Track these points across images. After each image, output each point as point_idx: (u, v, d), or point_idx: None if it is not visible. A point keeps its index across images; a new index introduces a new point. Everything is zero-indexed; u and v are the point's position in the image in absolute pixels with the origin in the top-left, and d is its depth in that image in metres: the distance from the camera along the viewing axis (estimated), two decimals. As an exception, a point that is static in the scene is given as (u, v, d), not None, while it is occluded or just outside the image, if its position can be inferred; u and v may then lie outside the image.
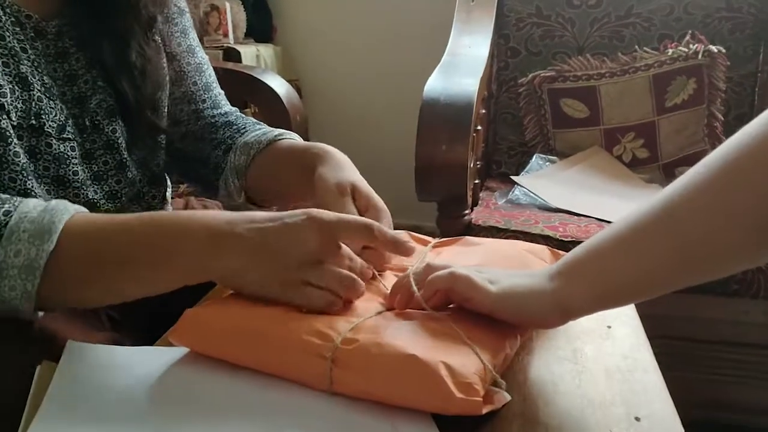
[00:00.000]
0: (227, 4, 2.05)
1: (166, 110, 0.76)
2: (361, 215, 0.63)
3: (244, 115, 0.86)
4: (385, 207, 0.65)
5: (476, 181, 1.40)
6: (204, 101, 0.83)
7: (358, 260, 0.56)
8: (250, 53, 2.04)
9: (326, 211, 0.54)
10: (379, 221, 0.60)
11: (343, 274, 0.53)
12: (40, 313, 0.53)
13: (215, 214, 0.54)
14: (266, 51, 2.14)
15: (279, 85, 1.32)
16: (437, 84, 1.27)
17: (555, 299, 0.50)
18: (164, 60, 0.76)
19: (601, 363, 0.54)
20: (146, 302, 0.65)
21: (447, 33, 1.64)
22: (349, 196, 0.65)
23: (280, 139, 0.77)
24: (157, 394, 0.48)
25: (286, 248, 0.52)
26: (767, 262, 0.46)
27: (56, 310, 0.56)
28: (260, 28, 2.22)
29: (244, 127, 0.82)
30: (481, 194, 1.50)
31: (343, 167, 0.69)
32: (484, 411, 0.44)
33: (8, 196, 0.52)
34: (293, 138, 0.79)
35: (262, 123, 0.84)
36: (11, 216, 0.50)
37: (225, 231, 0.52)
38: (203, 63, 0.83)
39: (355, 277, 0.54)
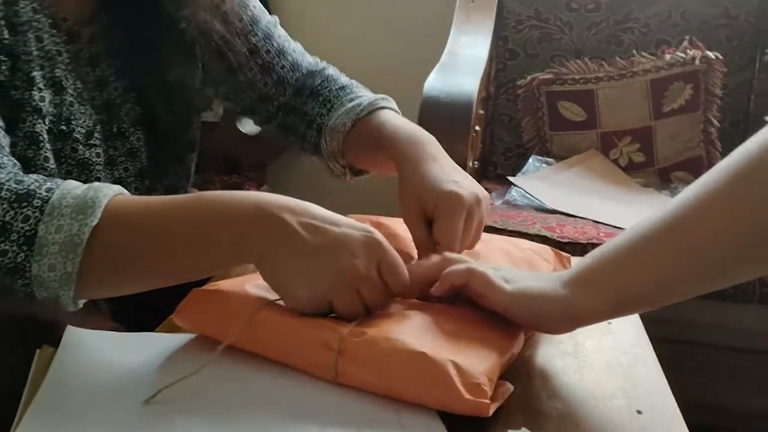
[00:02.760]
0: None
1: (198, 130, 0.75)
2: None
3: (326, 73, 0.82)
4: (461, 197, 0.59)
5: (473, 182, 1.40)
6: (283, 67, 0.79)
7: (384, 295, 0.52)
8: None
9: (385, 241, 0.51)
10: (446, 216, 0.59)
11: (357, 311, 0.50)
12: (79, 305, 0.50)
13: (274, 196, 0.51)
14: (264, 48, 2.14)
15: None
16: (437, 83, 1.27)
17: (567, 306, 0.50)
18: (198, 74, 0.73)
19: (602, 357, 0.54)
20: (147, 294, 0.64)
21: (446, 33, 1.64)
22: (420, 217, 0.61)
23: (361, 117, 0.73)
24: (156, 380, 0.48)
25: (333, 259, 0.49)
26: None
27: (94, 298, 0.53)
28: (259, 26, 2.22)
29: (329, 99, 0.78)
30: (477, 195, 1.50)
31: (412, 173, 0.63)
32: (491, 412, 0.44)
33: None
34: (383, 106, 0.74)
35: (346, 85, 0.80)
36: (53, 192, 0.48)
37: (275, 215, 0.49)
38: (270, 28, 0.79)
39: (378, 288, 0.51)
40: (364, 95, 0.77)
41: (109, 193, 0.49)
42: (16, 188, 0.47)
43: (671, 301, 0.49)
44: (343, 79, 0.81)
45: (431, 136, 0.68)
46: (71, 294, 0.47)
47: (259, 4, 0.80)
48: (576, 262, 0.54)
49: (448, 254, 0.56)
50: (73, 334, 0.52)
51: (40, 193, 0.47)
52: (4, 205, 0.47)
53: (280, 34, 0.81)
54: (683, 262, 0.46)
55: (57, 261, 0.46)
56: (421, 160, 0.64)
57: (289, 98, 0.80)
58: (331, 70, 0.82)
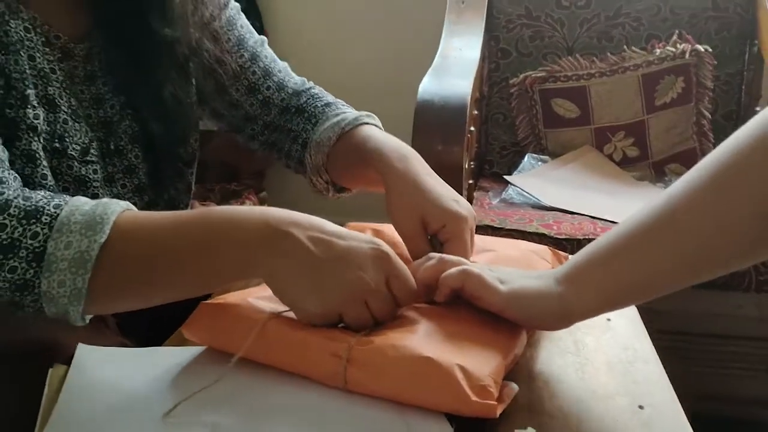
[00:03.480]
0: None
1: (197, 143, 0.76)
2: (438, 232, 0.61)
3: (311, 92, 0.82)
4: (460, 213, 0.61)
5: (470, 182, 1.41)
6: (269, 88, 0.80)
7: (392, 307, 0.53)
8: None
9: (393, 254, 0.52)
10: (455, 234, 0.60)
11: (366, 322, 0.51)
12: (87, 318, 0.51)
13: (281, 211, 0.51)
14: (258, 55, 2.15)
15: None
16: (431, 86, 1.28)
17: (561, 303, 0.51)
18: (193, 91, 0.74)
19: (602, 354, 0.56)
20: (155, 309, 0.65)
21: (438, 35, 1.65)
22: (423, 233, 0.62)
23: (346, 131, 0.73)
24: (169, 394, 0.49)
25: (342, 273, 0.50)
26: (766, 258, 0.47)
27: (103, 313, 0.53)
28: (251, 33, 2.23)
29: (315, 116, 0.78)
30: (474, 194, 1.51)
31: (407, 189, 0.63)
32: (499, 413, 0.45)
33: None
34: (367, 122, 0.74)
35: (331, 102, 0.80)
36: (61, 209, 0.48)
37: (284, 231, 0.50)
38: (257, 48, 0.80)
39: (388, 301, 0.52)
40: (350, 111, 0.78)
41: (117, 209, 0.49)
42: (24, 205, 0.48)
43: (664, 293, 0.50)
44: (329, 97, 0.82)
45: (414, 150, 0.69)
46: (80, 309, 0.48)
47: (247, 23, 0.81)
48: (569, 259, 0.55)
49: (445, 256, 0.56)
50: (84, 351, 0.53)
51: (49, 210, 0.48)
52: (13, 222, 0.47)
53: (267, 55, 0.81)
54: (673, 256, 0.48)
55: (66, 277, 0.47)
56: (415, 174, 0.64)
57: (274, 117, 0.80)
58: (317, 90, 0.83)
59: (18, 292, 0.47)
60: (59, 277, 0.47)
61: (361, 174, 0.72)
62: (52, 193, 0.51)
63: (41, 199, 0.49)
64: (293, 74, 0.84)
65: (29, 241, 0.47)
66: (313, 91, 0.82)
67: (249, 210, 0.52)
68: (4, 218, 0.47)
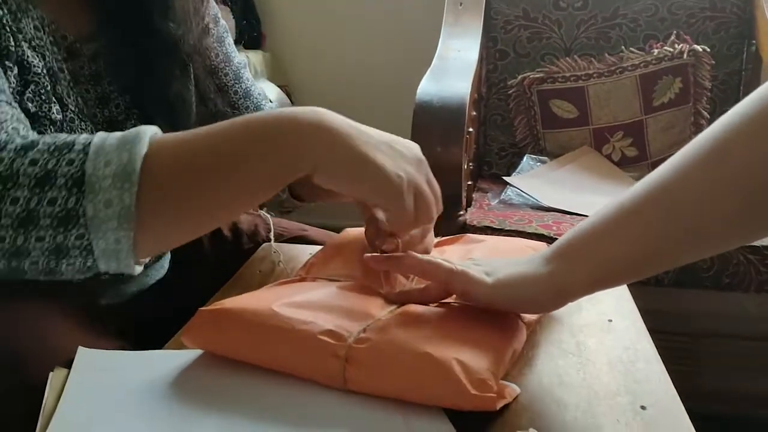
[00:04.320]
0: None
1: None
2: None
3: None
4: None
5: (469, 183, 1.41)
6: (247, 108, 0.82)
7: (433, 209, 0.56)
8: (247, 64, 2.05)
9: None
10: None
11: (431, 203, 0.54)
12: (138, 269, 0.47)
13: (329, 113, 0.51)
14: (256, 57, 2.15)
15: (269, 91, 1.34)
16: (429, 88, 1.28)
17: (552, 282, 0.51)
18: (193, 92, 0.75)
19: (603, 355, 0.55)
20: (151, 310, 0.65)
21: (436, 37, 1.65)
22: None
23: None
24: (169, 397, 0.49)
25: (401, 144, 0.54)
26: (760, 238, 0.47)
27: (146, 254, 0.48)
28: (249, 35, 2.23)
29: None
30: (474, 195, 1.51)
31: None
32: (498, 406, 0.45)
33: None
34: None
35: None
36: (92, 138, 0.46)
37: (333, 119, 0.50)
38: (240, 68, 0.82)
39: (431, 199, 0.55)
40: None
41: (150, 127, 0.47)
42: (52, 140, 0.45)
43: (656, 270, 0.50)
44: None
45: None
46: (131, 236, 0.44)
47: (232, 41, 0.83)
48: (560, 237, 0.54)
49: (428, 257, 0.56)
50: (84, 354, 0.53)
51: (80, 140, 0.45)
52: (45, 156, 0.44)
53: (248, 77, 0.83)
54: (664, 233, 0.47)
55: (113, 195, 0.43)
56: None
57: None
58: None
59: (62, 228, 0.43)
60: (105, 196, 0.43)
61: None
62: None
63: (68, 137, 0.46)
64: (269, 98, 0.87)
65: (65, 168, 0.43)
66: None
67: (293, 112, 0.51)
68: (34, 153, 0.44)
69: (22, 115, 0.53)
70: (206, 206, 0.48)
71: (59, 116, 0.58)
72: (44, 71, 0.58)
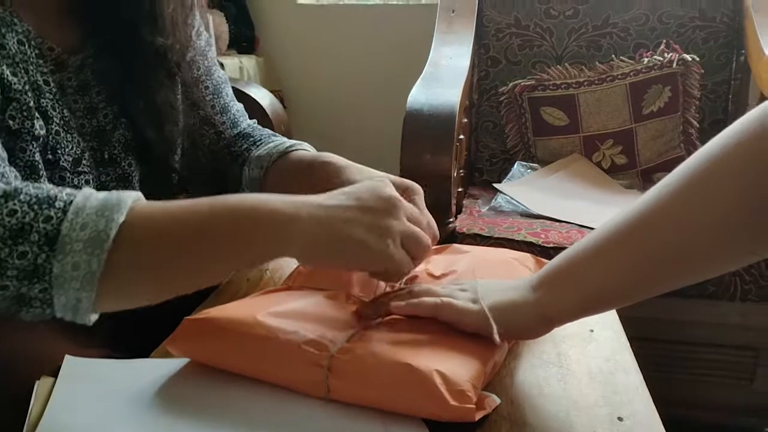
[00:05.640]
0: (209, 16, 2.06)
1: (180, 149, 0.76)
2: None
3: (261, 128, 0.85)
4: (416, 185, 0.66)
5: (460, 189, 1.42)
6: (223, 123, 0.82)
7: (423, 242, 0.55)
8: (233, 65, 2.05)
9: (403, 201, 0.56)
10: (414, 201, 0.63)
11: (420, 237, 0.54)
12: (94, 317, 0.48)
13: (282, 198, 0.51)
14: (249, 62, 2.15)
15: (262, 96, 1.34)
16: (420, 95, 1.29)
17: (539, 310, 0.52)
18: (180, 99, 0.75)
19: (584, 365, 0.56)
20: (138, 316, 0.65)
21: (428, 43, 1.66)
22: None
23: (291, 151, 0.76)
24: (155, 405, 0.49)
25: (368, 197, 0.53)
26: (743, 265, 0.48)
27: (117, 308, 0.49)
28: (243, 40, 2.23)
29: (260, 139, 0.81)
30: (464, 202, 1.52)
31: (363, 170, 0.69)
32: (478, 417, 0.46)
33: None
34: (306, 149, 0.78)
35: (278, 135, 0.84)
36: (75, 195, 0.46)
37: (291, 215, 0.49)
38: (220, 83, 0.82)
39: (420, 234, 0.55)
40: (292, 141, 0.80)
41: (132, 195, 0.48)
42: (36, 192, 0.45)
43: (643, 296, 0.51)
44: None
45: None
46: (92, 298, 0.44)
47: (215, 55, 0.83)
48: (547, 264, 0.56)
49: (414, 288, 0.58)
50: (71, 363, 0.53)
51: (62, 197, 0.46)
52: (24, 207, 0.44)
53: (228, 93, 0.83)
54: (647, 262, 0.48)
55: (82, 259, 0.43)
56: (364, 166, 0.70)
57: (220, 148, 0.81)
58: (265, 130, 0.86)
59: (27, 281, 0.44)
60: (73, 259, 0.43)
61: (303, 183, 0.72)
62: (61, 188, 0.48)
63: (52, 189, 0.46)
64: (246, 116, 0.87)
65: (42, 225, 0.44)
66: (261, 129, 0.85)
67: (258, 201, 0.51)
68: (15, 204, 0.44)
69: (4, 153, 0.53)
70: (174, 280, 0.49)
71: (42, 131, 0.58)
72: (26, 87, 0.58)
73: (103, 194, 0.47)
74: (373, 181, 0.56)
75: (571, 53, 1.72)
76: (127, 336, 0.67)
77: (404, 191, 0.63)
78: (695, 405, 1.27)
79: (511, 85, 1.69)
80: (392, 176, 0.66)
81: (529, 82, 1.66)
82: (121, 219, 0.45)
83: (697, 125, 1.65)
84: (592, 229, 1.34)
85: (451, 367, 0.47)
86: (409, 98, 1.26)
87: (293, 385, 0.50)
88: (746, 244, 0.46)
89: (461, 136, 1.34)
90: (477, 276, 0.61)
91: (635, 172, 1.64)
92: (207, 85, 0.80)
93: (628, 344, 0.61)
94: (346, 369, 0.48)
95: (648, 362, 0.57)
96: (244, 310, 0.54)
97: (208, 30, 0.83)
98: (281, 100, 2.16)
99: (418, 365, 0.47)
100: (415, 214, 0.56)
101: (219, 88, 0.82)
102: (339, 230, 0.50)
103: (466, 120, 1.55)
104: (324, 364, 0.48)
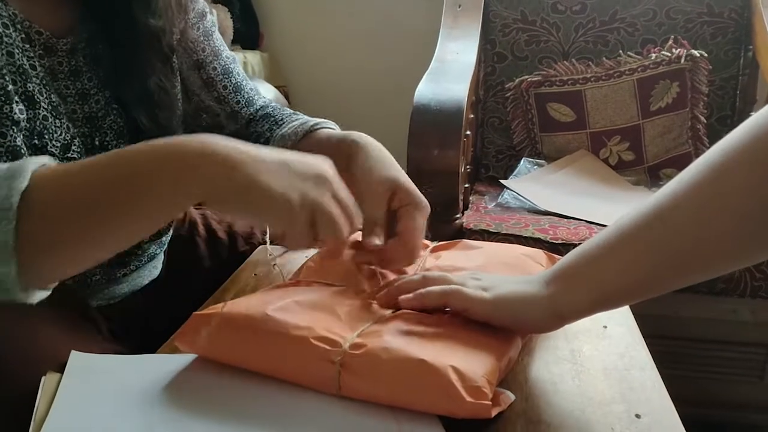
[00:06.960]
0: (214, 12, 2.06)
1: (179, 133, 0.75)
2: (399, 208, 0.63)
3: (281, 106, 0.84)
4: (425, 202, 0.64)
5: (466, 185, 1.41)
6: (238, 102, 0.81)
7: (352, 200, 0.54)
8: (238, 60, 2.04)
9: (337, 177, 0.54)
10: (413, 216, 0.62)
11: (336, 218, 0.52)
12: (41, 295, 0.47)
13: (219, 141, 0.49)
14: (254, 58, 2.15)
15: (267, 92, 1.33)
16: (427, 90, 1.28)
17: (551, 304, 0.52)
18: (178, 85, 0.74)
19: (599, 362, 0.55)
20: (144, 312, 0.64)
21: (434, 39, 1.65)
22: (387, 198, 0.63)
23: (316, 129, 0.75)
24: (163, 401, 0.48)
25: (297, 159, 0.51)
26: (757, 262, 0.47)
27: (40, 285, 0.48)
28: (247, 35, 2.22)
29: (282, 119, 0.80)
30: (471, 198, 1.51)
31: (384, 161, 0.67)
32: (493, 414, 0.45)
33: None
34: (331, 127, 0.77)
35: (299, 113, 0.82)
36: None
37: (220, 146, 0.48)
38: (229, 63, 0.81)
39: (342, 224, 0.53)
40: (316, 119, 0.79)
41: (36, 160, 0.47)
42: None
43: (657, 292, 0.50)
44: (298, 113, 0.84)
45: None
46: (14, 271, 0.44)
47: (221, 38, 0.82)
48: (560, 260, 0.55)
49: (427, 273, 0.57)
50: (77, 358, 0.53)
51: None
52: None
53: (239, 72, 0.82)
54: (662, 259, 0.48)
55: None
56: (389, 157, 0.68)
57: (240, 128, 0.81)
58: (285, 108, 0.85)
59: None
60: None
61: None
62: None
63: None
64: (262, 94, 0.85)
65: None
66: (281, 107, 0.84)
67: (185, 136, 0.50)
68: None
69: None
70: (92, 239, 0.48)
71: (22, 116, 0.57)
72: (3, 71, 0.56)
73: (6, 165, 0.46)
74: (318, 156, 0.54)
75: (578, 49, 1.71)
76: (134, 332, 0.66)
77: (405, 202, 0.62)
78: (705, 402, 1.26)
79: (517, 80, 1.68)
80: (408, 180, 0.65)
81: (536, 78, 1.65)
82: (24, 185, 0.44)
83: (705, 121, 1.63)
84: (600, 225, 1.35)
85: (466, 363, 0.46)
86: (416, 93, 1.25)
87: (304, 380, 0.49)
88: (763, 240, 0.45)
89: (468, 132, 1.34)
90: (488, 271, 0.60)
91: (642, 169, 1.63)
92: (215, 66, 0.79)
93: (643, 340, 0.60)
94: (358, 365, 0.47)
95: (657, 359, 0.56)
96: (254, 304, 0.53)
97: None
98: (286, 96, 2.15)
99: (433, 361, 0.46)
100: (345, 200, 0.54)
101: (228, 68, 0.81)
102: (248, 175, 0.48)
103: (472, 116, 1.54)
104: (336, 360, 0.47)
